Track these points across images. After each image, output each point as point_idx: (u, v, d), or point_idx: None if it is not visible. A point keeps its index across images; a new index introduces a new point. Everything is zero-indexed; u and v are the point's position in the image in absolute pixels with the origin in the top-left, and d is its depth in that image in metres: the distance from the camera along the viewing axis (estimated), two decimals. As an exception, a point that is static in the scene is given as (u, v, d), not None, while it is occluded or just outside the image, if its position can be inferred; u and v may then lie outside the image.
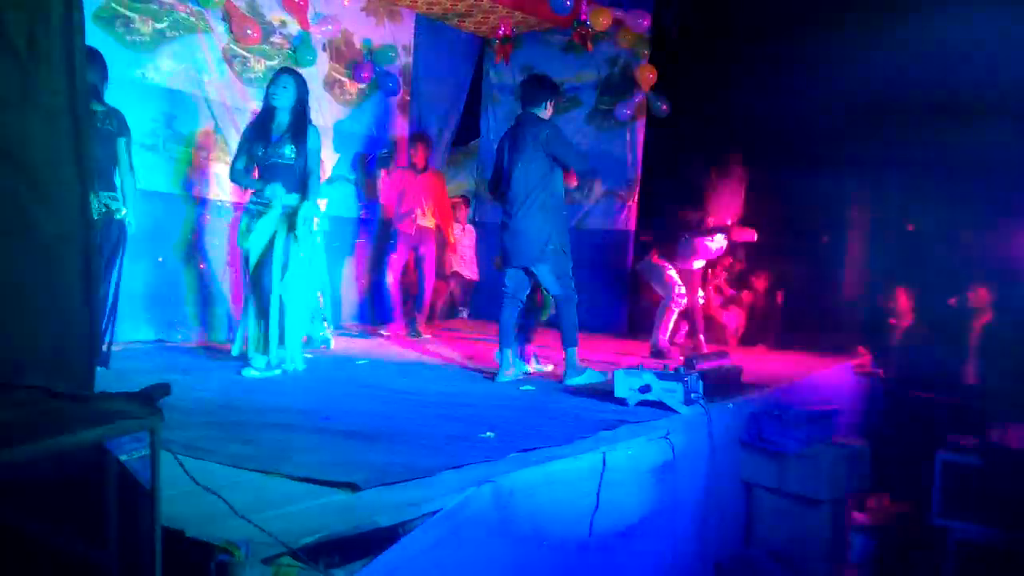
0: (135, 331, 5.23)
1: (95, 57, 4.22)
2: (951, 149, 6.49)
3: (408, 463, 2.62)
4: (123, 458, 1.75)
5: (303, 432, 3.07)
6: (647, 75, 7.15)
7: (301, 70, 6.12)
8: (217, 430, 3.01)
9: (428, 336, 6.60)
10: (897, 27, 6.42)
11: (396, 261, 6.55)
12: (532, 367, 5.01)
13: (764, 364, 5.65)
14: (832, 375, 5.88)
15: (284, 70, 4.62)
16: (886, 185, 7.77)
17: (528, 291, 4.79)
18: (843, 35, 6.74)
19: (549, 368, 5.05)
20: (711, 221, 6.05)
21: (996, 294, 6.55)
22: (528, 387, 4.46)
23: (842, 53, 6.73)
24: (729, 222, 6.16)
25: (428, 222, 6.52)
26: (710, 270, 6.93)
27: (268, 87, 4.46)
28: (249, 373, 4.29)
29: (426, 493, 2.35)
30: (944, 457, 4.46)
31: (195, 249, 5.69)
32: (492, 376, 4.69)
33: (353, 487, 2.32)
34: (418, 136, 6.75)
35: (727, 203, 6.15)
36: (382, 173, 6.91)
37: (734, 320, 7.18)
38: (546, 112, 4.70)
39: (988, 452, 4.39)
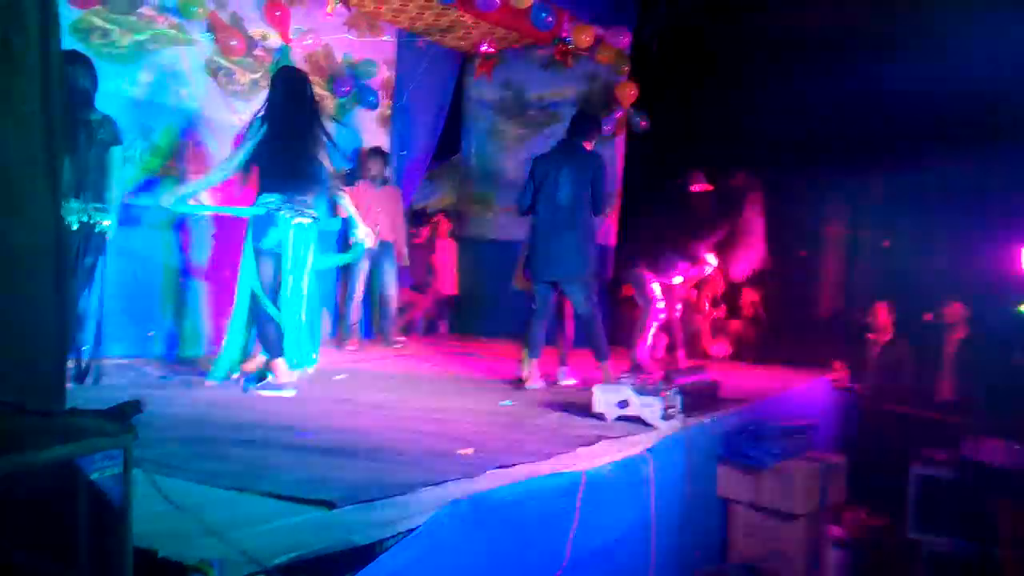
0: (110, 346, 5.16)
1: (87, 64, 4.19)
2: (928, 169, 6.61)
3: (385, 480, 2.60)
4: (95, 476, 1.73)
5: (278, 449, 3.05)
6: (627, 91, 7.21)
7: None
8: (191, 447, 2.98)
9: (401, 343, 6.59)
10: (878, 49, 6.53)
11: (361, 274, 6.52)
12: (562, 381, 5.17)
13: (742, 379, 5.68)
14: (809, 390, 5.93)
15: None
16: (864, 202, 7.88)
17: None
18: (823, 54, 6.85)
19: (572, 382, 5.13)
20: (692, 247, 5.95)
21: (971, 310, 6.64)
22: (507, 402, 4.45)
23: (822, 72, 6.84)
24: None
25: (388, 236, 6.50)
26: (696, 291, 6.95)
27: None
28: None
29: (403, 511, 2.33)
30: (918, 471, 4.50)
31: (173, 263, 5.64)
32: (487, 386, 4.89)
33: (329, 505, 2.30)
34: (376, 151, 6.75)
35: (742, 240, 5.95)
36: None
37: (721, 350, 7.22)
38: (589, 144, 5.13)
39: (961, 466, 4.44)
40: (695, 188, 6.23)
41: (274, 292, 4.38)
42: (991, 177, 6.21)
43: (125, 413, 1.73)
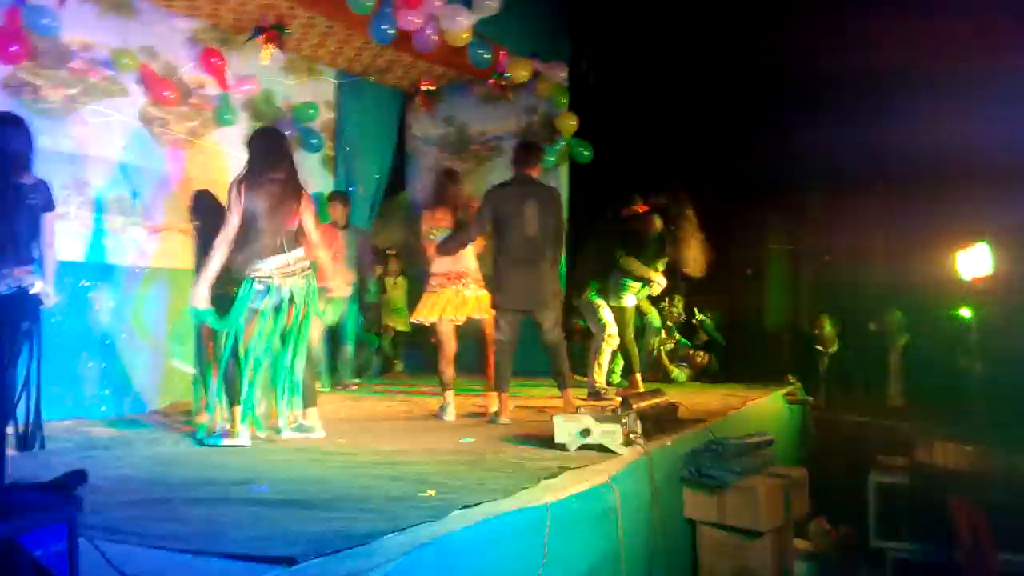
0: (53, 409, 4.99)
1: (19, 125, 4.07)
2: (864, 183, 6.82)
3: (347, 530, 2.54)
4: (38, 553, 1.65)
5: (235, 505, 2.95)
6: (568, 123, 7.30)
7: (223, 130, 6.11)
8: (142, 509, 2.87)
9: (356, 385, 6.52)
10: (812, 67, 6.74)
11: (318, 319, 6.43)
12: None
13: (700, 399, 5.72)
14: (765, 406, 5.99)
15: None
16: (805, 218, 8.09)
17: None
18: (754, 73, 7.05)
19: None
20: (636, 267, 6.05)
21: (909, 317, 6.84)
22: (468, 439, 4.40)
23: (759, 93, 7.04)
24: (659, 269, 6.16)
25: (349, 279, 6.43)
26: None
27: None
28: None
29: (367, 561, 2.27)
30: (875, 479, 4.57)
31: (114, 319, 5.49)
32: (437, 417, 4.92)
33: (289, 561, 2.23)
34: (336, 195, 6.71)
35: (683, 250, 6.08)
36: None
37: (680, 373, 7.29)
38: (537, 171, 5.28)
39: (916, 471, 4.52)
40: (634, 210, 6.33)
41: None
42: (925, 188, 6.44)
43: (68, 484, 1.66)
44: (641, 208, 6.32)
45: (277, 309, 4.23)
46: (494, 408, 5.08)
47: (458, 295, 5.25)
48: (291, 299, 4.25)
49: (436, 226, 5.33)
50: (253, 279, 4.17)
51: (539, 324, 5.10)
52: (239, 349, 4.26)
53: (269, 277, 4.18)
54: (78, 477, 1.69)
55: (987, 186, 5.91)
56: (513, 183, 5.17)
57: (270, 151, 4.30)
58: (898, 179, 6.47)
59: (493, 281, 5.16)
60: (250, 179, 4.19)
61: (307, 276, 4.29)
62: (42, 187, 4.08)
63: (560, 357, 5.14)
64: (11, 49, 4.79)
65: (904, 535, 4.40)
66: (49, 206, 4.08)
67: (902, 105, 6.51)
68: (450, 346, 5.30)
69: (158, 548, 2.40)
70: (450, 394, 5.21)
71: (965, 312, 6.39)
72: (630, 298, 6.18)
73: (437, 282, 5.30)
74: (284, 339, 4.31)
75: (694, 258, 6.08)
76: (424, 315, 5.31)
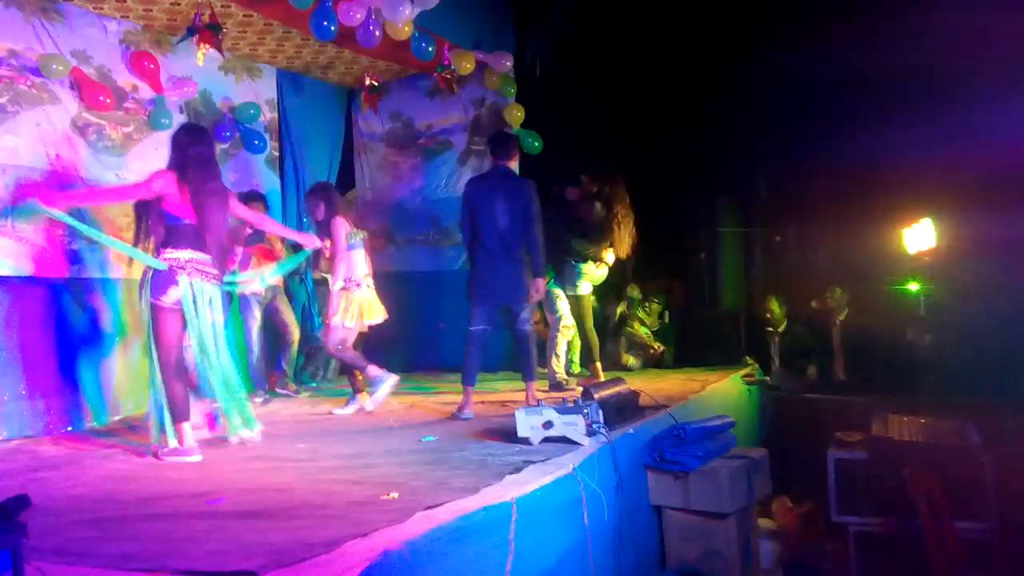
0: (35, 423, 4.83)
1: None
2: (811, 160, 6.93)
3: (308, 538, 2.47)
4: (-21, 585, 1.56)
5: (191, 519, 2.86)
6: (515, 113, 7.27)
7: (158, 134, 5.93)
8: (94, 529, 2.77)
9: (293, 390, 6.45)
10: (760, 50, 6.82)
11: (255, 323, 6.30)
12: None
13: (659, 385, 5.75)
14: (724, 388, 6.05)
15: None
16: (753, 199, 8.19)
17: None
18: (701, 57, 7.11)
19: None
20: (584, 248, 6.14)
21: (850, 293, 6.99)
22: (429, 438, 4.36)
23: (702, 73, 7.10)
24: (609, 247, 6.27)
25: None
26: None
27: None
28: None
29: (331, 569, 2.22)
30: (834, 455, 4.64)
31: (58, 332, 5.29)
32: (394, 424, 4.73)
33: (250, 574, 2.17)
34: (252, 195, 6.53)
35: (616, 232, 6.27)
36: None
37: (637, 361, 7.34)
38: (513, 162, 5.42)
39: (872, 445, 4.61)
40: (575, 194, 6.39)
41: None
42: (872, 164, 6.56)
43: (10, 510, 1.57)
44: (581, 191, 6.39)
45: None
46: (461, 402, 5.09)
47: (369, 297, 5.44)
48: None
49: (352, 231, 5.45)
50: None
51: (515, 315, 5.18)
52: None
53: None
54: (20, 502, 1.60)
55: (929, 166, 6.04)
56: (487, 177, 5.28)
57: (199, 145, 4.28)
58: (846, 160, 6.58)
59: (471, 273, 5.24)
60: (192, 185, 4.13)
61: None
62: None
63: (527, 348, 5.21)
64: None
65: (864, 509, 4.48)
66: None
67: (851, 90, 6.63)
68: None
69: (113, 568, 2.32)
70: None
71: (913, 286, 6.53)
72: (585, 285, 6.23)
73: (353, 284, 5.39)
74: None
75: (622, 240, 6.25)
76: (361, 317, 5.40)
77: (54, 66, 5.31)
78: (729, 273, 8.26)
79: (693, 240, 8.35)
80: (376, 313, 5.46)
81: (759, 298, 7.76)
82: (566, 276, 6.17)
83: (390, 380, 5.35)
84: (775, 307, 7.37)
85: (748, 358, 7.07)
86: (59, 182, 5.36)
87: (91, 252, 5.48)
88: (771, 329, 7.41)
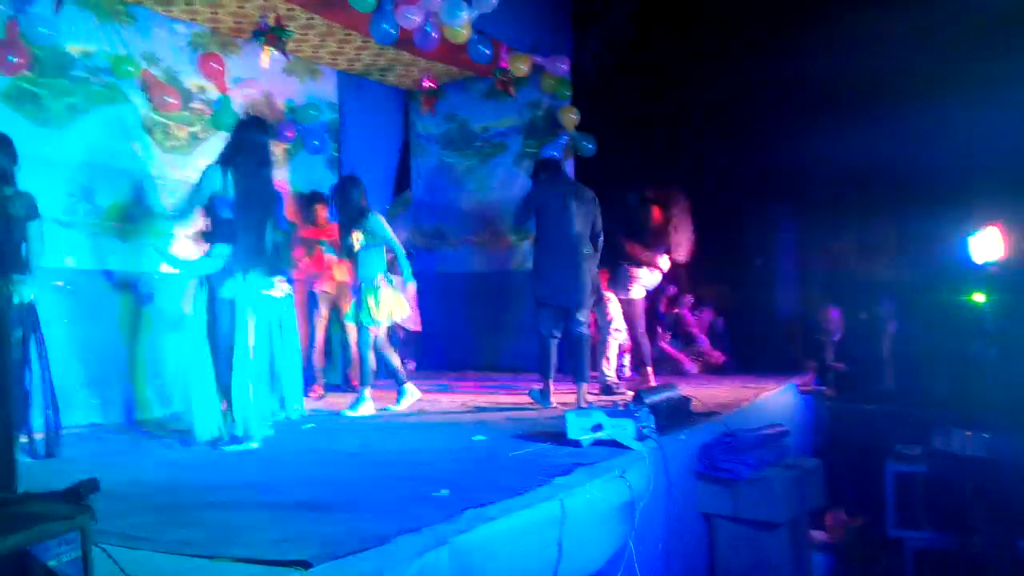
0: (68, 415, 4.99)
1: (4, 142, 4.09)
2: (870, 168, 6.78)
3: (361, 532, 2.52)
4: (51, 563, 1.63)
5: (248, 509, 2.94)
6: (570, 116, 7.27)
7: (223, 134, 6.08)
8: (156, 515, 2.86)
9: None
10: (819, 60, 6.72)
11: (320, 321, 6.42)
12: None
13: (712, 392, 5.69)
14: (778, 397, 5.95)
15: None
16: (811, 207, 8.03)
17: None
18: (757, 73, 7.02)
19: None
20: (640, 253, 6.09)
21: (918, 304, 6.81)
22: (480, 437, 4.39)
23: (759, 91, 7.01)
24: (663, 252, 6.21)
25: (345, 277, 6.41)
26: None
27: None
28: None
29: (382, 562, 2.26)
30: (893, 468, 4.54)
31: (124, 325, 5.48)
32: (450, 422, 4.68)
33: (304, 565, 2.21)
34: (317, 197, 6.67)
35: (673, 236, 6.23)
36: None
37: (691, 367, 7.29)
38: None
39: (933, 459, 4.49)
40: (633, 198, 6.35)
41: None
42: (936, 170, 6.39)
43: (81, 493, 1.64)
44: (647, 200, 6.35)
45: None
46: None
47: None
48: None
49: (360, 236, 5.49)
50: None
51: (574, 317, 5.32)
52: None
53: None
54: (90, 485, 1.67)
55: (996, 174, 5.86)
56: (560, 183, 5.47)
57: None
58: (909, 168, 6.43)
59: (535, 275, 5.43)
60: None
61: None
62: (23, 197, 4.09)
63: (583, 350, 5.35)
64: (10, 60, 4.77)
65: (923, 524, 4.37)
66: (32, 215, 4.09)
67: (912, 99, 6.47)
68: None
69: (172, 553, 2.39)
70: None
71: (979, 297, 6.33)
72: (638, 289, 6.16)
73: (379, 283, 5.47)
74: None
75: (678, 246, 6.22)
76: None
77: (125, 67, 5.50)
78: (785, 280, 8.13)
79: (749, 246, 8.23)
80: (400, 311, 5.52)
81: (815, 306, 7.61)
82: (619, 280, 6.14)
83: (414, 395, 5.46)
84: (833, 316, 7.23)
85: (813, 363, 6.96)
86: (127, 180, 5.55)
87: (155, 248, 5.65)
88: (826, 339, 7.26)
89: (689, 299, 7.70)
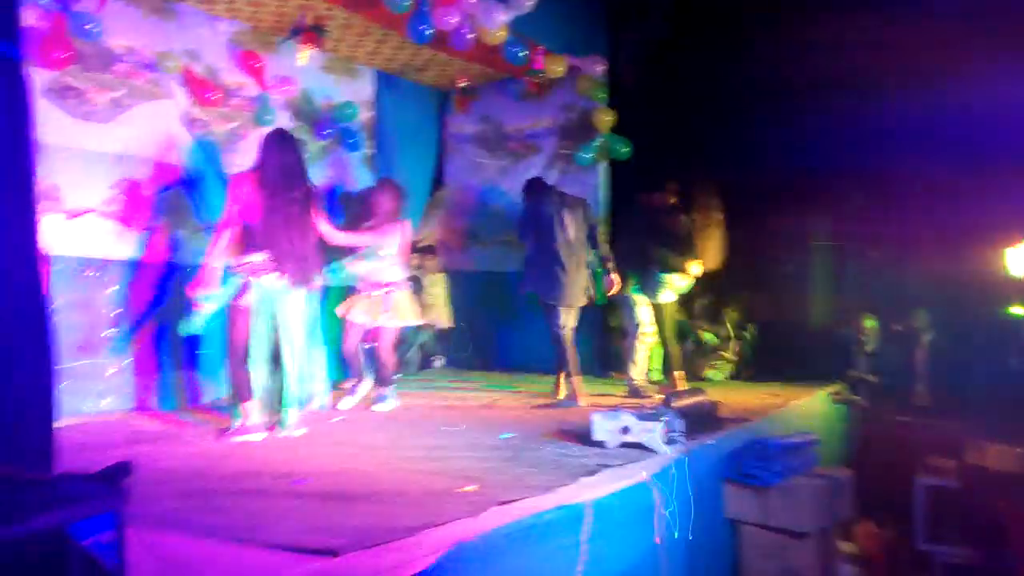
0: (99, 403, 5.11)
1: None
2: (909, 175, 6.68)
3: (388, 523, 2.55)
4: (86, 542, 1.67)
5: (278, 497, 2.99)
6: (605, 119, 7.25)
7: (261, 129, 6.17)
8: (188, 500, 2.92)
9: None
10: (858, 61, 6.63)
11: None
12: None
13: (741, 398, 5.64)
14: (809, 405, 5.89)
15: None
16: (847, 214, 7.92)
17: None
18: (798, 79, 6.95)
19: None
20: (669, 258, 6.05)
21: (936, 315, 6.70)
22: (507, 435, 4.40)
23: (802, 90, 6.93)
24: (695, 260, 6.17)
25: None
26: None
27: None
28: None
29: (408, 554, 2.28)
30: (924, 482, 4.47)
31: (163, 315, 5.57)
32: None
33: (332, 553, 2.25)
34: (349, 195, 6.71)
35: (704, 242, 6.20)
36: None
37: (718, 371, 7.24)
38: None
39: (966, 473, 4.41)
40: (661, 201, 6.30)
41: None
42: (973, 185, 6.28)
43: (116, 475, 1.68)
44: (668, 201, 6.30)
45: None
46: (564, 392, 5.73)
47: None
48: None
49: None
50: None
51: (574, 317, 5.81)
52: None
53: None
54: (124, 469, 1.70)
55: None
56: (552, 194, 5.98)
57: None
58: (946, 175, 6.31)
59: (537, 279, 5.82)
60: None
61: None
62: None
63: (574, 347, 5.84)
64: (56, 54, 4.88)
65: (954, 539, 4.30)
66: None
67: (952, 99, 6.35)
68: None
69: (203, 539, 2.44)
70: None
71: (1018, 310, 6.20)
72: (667, 294, 6.12)
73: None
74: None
75: (708, 252, 6.21)
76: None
77: (168, 63, 5.60)
78: (818, 288, 8.02)
79: (783, 252, 8.14)
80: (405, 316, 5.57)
81: (849, 315, 7.51)
82: (648, 284, 6.09)
83: (392, 404, 5.46)
84: (869, 325, 7.13)
85: (853, 372, 6.88)
86: (167, 174, 5.65)
87: (189, 240, 5.74)
88: (860, 348, 7.16)
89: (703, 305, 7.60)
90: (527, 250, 6.00)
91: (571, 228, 5.78)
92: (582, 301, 5.81)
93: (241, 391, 4.36)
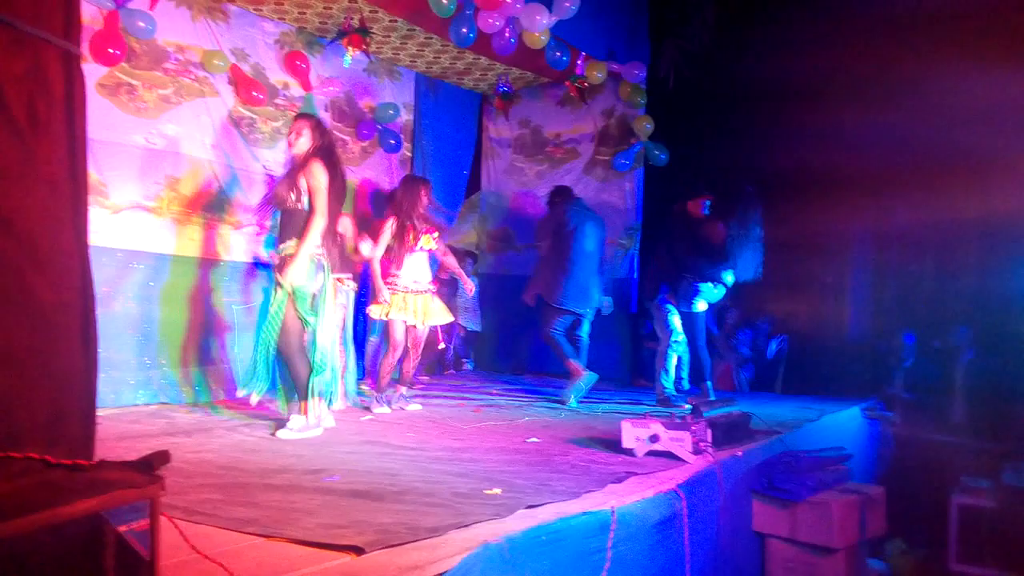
0: (137, 394, 5.23)
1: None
2: (950, 192, 6.56)
3: (413, 523, 2.58)
4: (122, 528, 1.73)
5: (307, 493, 3.04)
6: (644, 125, 7.24)
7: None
8: (219, 493, 2.98)
9: (424, 381, 6.63)
10: (893, 88, 6.53)
11: None
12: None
13: (773, 410, 5.59)
14: (842, 419, 5.81)
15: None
16: (886, 228, 7.80)
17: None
18: (840, 88, 6.86)
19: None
20: (702, 267, 5.98)
21: (995, 334, 6.55)
22: (534, 439, 4.42)
23: (838, 105, 6.84)
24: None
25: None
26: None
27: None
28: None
29: (432, 554, 2.31)
30: (959, 501, 4.39)
31: (201, 310, 5.69)
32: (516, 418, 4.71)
33: (357, 550, 2.28)
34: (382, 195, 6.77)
35: (739, 251, 6.16)
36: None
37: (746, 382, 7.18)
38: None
39: (1002, 494, 4.32)
40: (697, 210, 6.24)
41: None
42: (1018, 194, 6.14)
43: (152, 464, 1.73)
44: (703, 210, 6.25)
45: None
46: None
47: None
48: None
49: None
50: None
51: (582, 322, 6.14)
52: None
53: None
54: (162, 457, 1.76)
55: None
56: (578, 206, 6.24)
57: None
58: (991, 190, 6.19)
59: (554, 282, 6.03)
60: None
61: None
62: None
63: (586, 352, 6.18)
64: (110, 51, 5.02)
65: (987, 560, 4.21)
66: None
67: (999, 116, 6.22)
68: None
69: (233, 530, 2.49)
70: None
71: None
72: (700, 303, 6.06)
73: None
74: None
75: (745, 262, 6.26)
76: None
77: (216, 62, 5.73)
78: (857, 302, 7.91)
79: (821, 264, 8.04)
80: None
81: (888, 330, 7.39)
82: (682, 293, 6.03)
83: (382, 409, 5.41)
84: (906, 341, 7.02)
85: (888, 388, 6.78)
86: (212, 170, 5.77)
87: (231, 237, 5.86)
88: (896, 363, 7.05)
89: (733, 315, 7.54)
90: (541, 252, 6.28)
91: (591, 239, 6.04)
92: (587, 309, 6.03)
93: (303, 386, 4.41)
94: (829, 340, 7.54)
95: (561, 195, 6.33)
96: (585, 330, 6.17)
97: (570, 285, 5.94)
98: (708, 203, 6.17)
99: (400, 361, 5.50)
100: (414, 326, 5.39)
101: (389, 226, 5.40)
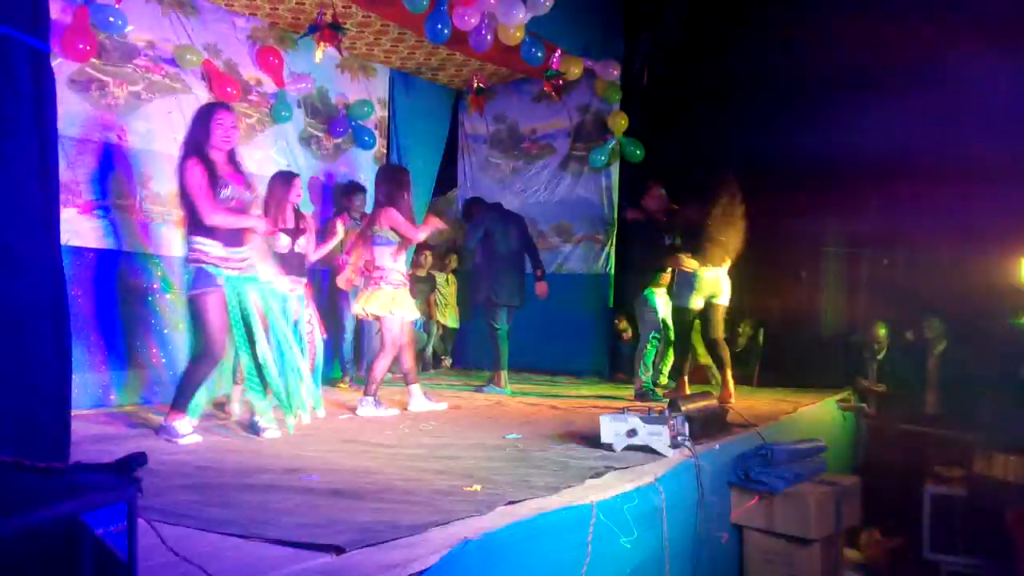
0: (111, 395, 5.17)
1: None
2: (921, 184, 6.64)
3: (393, 521, 2.57)
4: (100, 531, 1.71)
5: (285, 493, 3.01)
6: (619, 121, 7.27)
7: (278, 126, 6.23)
8: (196, 494, 2.95)
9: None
10: (868, 81, 6.59)
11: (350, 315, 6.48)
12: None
13: (749, 403, 5.64)
14: (817, 412, 5.88)
15: None
16: (859, 221, 7.89)
17: None
18: (814, 82, 6.91)
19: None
20: (685, 259, 5.91)
21: (949, 324, 6.65)
22: (514, 435, 4.42)
23: (812, 99, 6.90)
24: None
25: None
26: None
27: None
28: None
29: (412, 552, 2.30)
30: (932, 491, 4.46)
31: (175, 311, 5.62)
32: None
33: (337, 550, 2.27)
34: (354, 186, 6.72)
35: (727, 234, 6.01)
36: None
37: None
38: None
39: (974, 483, 4.40)
40: (660, 202, 6.24)
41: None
42: (990, 188, 6.23)
43: (129, 466, 1.71)
44: (655, 200, 6.27)
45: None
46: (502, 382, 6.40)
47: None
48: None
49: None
50: None
51: (511, 316, 6.57)
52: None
53: None
54: (138, 459, 1.74)
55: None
56: (496, 210, 6.66)
57: None
58: (963, 182, 6.26)
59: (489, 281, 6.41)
60: None
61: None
62: None
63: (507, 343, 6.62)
64: (79, 46, 4.94)
65: (960, 548, 4.29)
66: None
67: (975, 101, 6.29)
68: None
69: (211, 531, 2.47)
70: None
71: (1029, 320, 6.18)
72: (697, 300, 5.92)
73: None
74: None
75: (730, 240, 5.92)
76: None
77: (188, 56, 5.66)
78: (830, 294, 7.99)
79: (795, 258, 8.11)
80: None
81: (861, 322, 7.48)
82: (678, 287, 5.95)
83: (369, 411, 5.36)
84: (881, 333, 7.10)
85: (862, 380, 6.85)
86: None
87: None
88: (870, 355, 7.14)
89: None
90: (476, 258, 6.66)
91: (512, 239, 6.46)
92: (516, 302, 6.47)
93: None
94: (804, 333, 7.61)
95: (476, 205, 6.77)
96: (509, 320, 6.60)
97: (503, 282, 6.42)
98: (661, 191, 6.17)
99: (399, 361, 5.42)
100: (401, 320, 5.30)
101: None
